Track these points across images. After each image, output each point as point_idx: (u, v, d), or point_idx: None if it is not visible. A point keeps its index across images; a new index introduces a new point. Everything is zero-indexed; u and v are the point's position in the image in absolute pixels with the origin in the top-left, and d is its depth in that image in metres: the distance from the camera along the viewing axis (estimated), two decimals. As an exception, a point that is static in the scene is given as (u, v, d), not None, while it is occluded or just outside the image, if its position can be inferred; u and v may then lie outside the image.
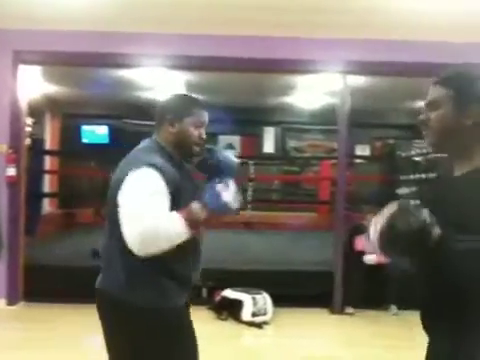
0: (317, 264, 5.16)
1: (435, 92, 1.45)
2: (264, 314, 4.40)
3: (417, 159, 6.43)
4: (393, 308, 4.87)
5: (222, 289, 4.64)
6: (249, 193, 7.10)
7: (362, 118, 8.97)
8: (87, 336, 3.97)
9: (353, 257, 4.98)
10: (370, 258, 4.96)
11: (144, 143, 1.84)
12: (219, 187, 1.72)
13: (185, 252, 1.72)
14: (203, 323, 4.42)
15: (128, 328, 1.73)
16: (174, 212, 1.65)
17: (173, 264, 1.73)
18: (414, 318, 4.72)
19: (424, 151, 6.18)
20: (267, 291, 4.58)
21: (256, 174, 7.77)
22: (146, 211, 1.60)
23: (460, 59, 4.75)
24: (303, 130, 10.15)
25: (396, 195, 6.52)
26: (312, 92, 7.49)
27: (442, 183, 1.49)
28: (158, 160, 1.70)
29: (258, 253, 5.20)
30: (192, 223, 1.64)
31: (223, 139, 10.07)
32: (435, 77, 1.47)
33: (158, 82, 6.88)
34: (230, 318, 4.47)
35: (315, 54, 4.73)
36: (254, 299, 4.39)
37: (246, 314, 4.34)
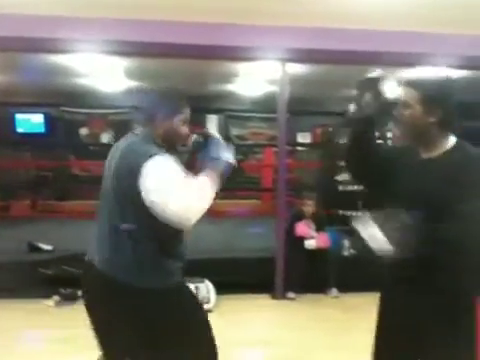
0: (260, 251, 5.21)
1: (407, 94, 1.82)
2: (207, 302, 4.39)
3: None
4: (333, 291, 5.00)
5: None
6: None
7: (303, 106, 9.10)
8: (18, 331, 3.84)
9: (294, 242, 5.07)
10: (310, 243, 5.07)
11: (137, 136, 1.96)
12: (216, 148, 1.95)
13: (180, 231, 1.89)
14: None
15: (142, 311, 1.82)
16: (199, 177, 1.84)
17: (172, 244, 1.90)
18: (353, 300, 4.92)
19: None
20: (210, 279, 4.58)
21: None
22: (182, 186, 1.76)
23: (396, 47, 4.93)
24: (245, 118, 10.18)
25: (335, 181, 6.67)
26: (254, 80, 7.51)
27: (416, 163, 1.86)
28: (161, 149, 1.87)
29: (200, 242, 5.17)
30: (216, 179, 1.86)
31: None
32: (407, 80, 1.87)
33: (95, 68, 6.68)
34: (173, 308, 4.43)
35: (254, 41, 4.71)
36: (197, 288, 4.38)
37: (189, 303, 4.32)
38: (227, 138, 10.14)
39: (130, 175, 1.79)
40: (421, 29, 4.82)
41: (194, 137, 2.06)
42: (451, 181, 1.71)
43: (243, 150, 10.52)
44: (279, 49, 4.82)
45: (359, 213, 6.09)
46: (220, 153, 1.94)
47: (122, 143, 1.96)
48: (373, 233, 1.74)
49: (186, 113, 2.02)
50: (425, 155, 1.84)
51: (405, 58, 5.01)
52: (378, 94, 1.92)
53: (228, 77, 7.45)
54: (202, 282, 4.49)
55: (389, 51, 4.89)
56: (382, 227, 1.72)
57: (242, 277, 4.86)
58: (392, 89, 1.90)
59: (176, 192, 1.73)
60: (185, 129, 2.01)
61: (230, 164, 1.95)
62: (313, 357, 3.47)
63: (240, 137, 10.24)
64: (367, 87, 1.96)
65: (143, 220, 1.80)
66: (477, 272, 1.75)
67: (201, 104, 9.57)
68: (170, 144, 1.97)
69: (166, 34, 4.62)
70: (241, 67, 6.64)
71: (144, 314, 1.83)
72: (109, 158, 1.98)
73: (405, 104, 1.83)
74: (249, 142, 10.29)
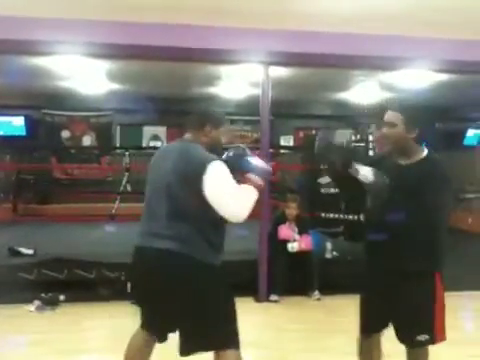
0: (243, 253, 5.20)
1: (392, 116, 2.40)
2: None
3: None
4: (316, 294, 5.02)
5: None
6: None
7: (286, 108, 9.15)
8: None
9: (277, 245, 5.08)
10: (293, 246, 5.09)
11: (187, 143, 2.38)
12: (255, 161, 2.42)
13: (224, 227, 2.35)
14: (127, 318, 4.33)
15: (198, 279, 2.23)
16: (245, 185, 2.32)
17: (219, 234, 2.34)
18: (336, 302, 4.94)
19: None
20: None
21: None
22: (239, 191, 2.26)
23: (377, 51, 4.97)
24: (229, 121, 10.18)
25: (318, 184, 6.70)
26: (237, 83, 7.52)
27: (395, 166, 2.43)
28: (215, 156, 2.30)
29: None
30: (257, 188, 2.34)
31: (148, 130, 9.90)
32: (393, 105, 2.45)
33: (77, 70, 6.63)
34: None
35: (237, 44, 4.72)
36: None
37: (171, 307, 4.30)
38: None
39: (194, 174, 2.20)
40: (402, 33, 4.87)
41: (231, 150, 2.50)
42: (422, 182, 2.30)
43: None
44: (262, 52, 4.83)
45: (342, 215, 6.13)
46: (258, 163, 2.42)
47: (174, 146, 2.41)
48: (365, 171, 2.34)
49: (227, 127, 2.51)
50: (403, 162, 2.44)
51: (386, 61, 5.06)
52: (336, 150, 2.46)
53: (211, 80, 7.44)
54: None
55: (371, 54, 4.93)
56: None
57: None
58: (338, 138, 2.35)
59: (232, 196, 2.22)
60: (224, 139, 2.48)
61: (269, 171, 2.45)
62: (295, 359, 3.48)
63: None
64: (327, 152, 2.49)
65: (202, 211, 2.21)
66: (437, 254, 2.41)
67: (184, 107, 9.54)
68: (212, 151, 2.36)
69: (148, 36, 4.60)
70: (224, 70, 6.64)
71: (199, 282, 2.24)
72: (159, 159, 2.41)
73: (391, 124, 2.40)
74: (233, 145, 10.28)
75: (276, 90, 5.39)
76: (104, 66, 6.48)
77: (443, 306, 2.45)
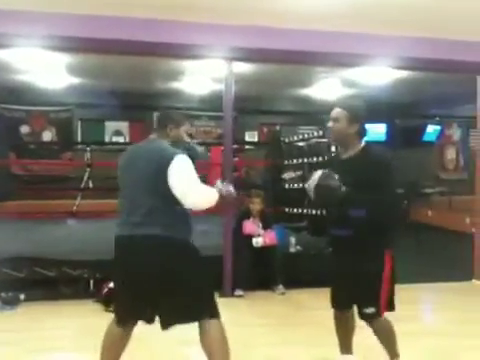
0: (207, 249, 5.16)
1: (337, 112, 2.73)
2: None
3: (300, 144, 6.69)
4: (280, 288, 5.06)
5: (110, 280, 4.50)
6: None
7: (251, 104, 9.18)
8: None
9: (242, 240, 5.09)
10: (258, 241, 5.11)
11: (154, 141, 2.68)
12: (225, 184, 2.75)
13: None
14: (91, 316, 4.31)
15: (177, 254, 2.51)
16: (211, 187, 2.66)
17: (186, 215, 2.60)
18: (300, 296, 4.97)
19: (306, 136, 6.45)
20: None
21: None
22: (199, 184, 2.56)
23: (339, 48, 5.02)
24: (193, 116, 10.13)
25: (282, 179, 6.76)
26: (200, 78, 7.49)
27: (337, 162, 2.82)
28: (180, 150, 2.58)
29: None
30: (220, 196, 2.66)
31: (110, 125, 9.74)
32: (339, 102, 2.82)
33: (36, 64, 6.47)
34: (119, 309, 4.36)
35: (199, 39, 4.69)
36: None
37: (135, 304, 4.26)
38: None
39: (162, 166, 2.46)
40: (363, 30, 4.95)
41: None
42: (360, 171, 2.62)
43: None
44: (225, 47, 4.82)
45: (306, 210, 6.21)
46: (227, 187, 2.73)
47: (143, 145, 2.70)
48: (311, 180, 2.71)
49: (188, 126, 2.82)
50: (344, 156, 2.77)
51: (348, 58, 5.14)
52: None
53: (174, 75, 7.40)
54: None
55: (333, 51, 4.99)
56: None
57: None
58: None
59: (193, 185, 2.52)
60: (187, 137, 2.80)
61: (232, 194, 2.74)
62: (259, 353, 3.50)
63: (188, 135, 10.18)
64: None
65: (173, 198, 2.48)
66: (385, 235, 2.69)
67: (147, 102, 9.46)
68: (176, 145, 2.65)
69: (109, 30, 4.52)
70: (187, 65, 6.61)
71: (181, 256, 2.52)
72: (131, 158, 2.65)
73: (336, 119, 2.72)
74: (196, 140, 10.24)
75: (241, 86, 5.41)
76: (64, 59, 6.34)
77: (390, 281, 2.69)
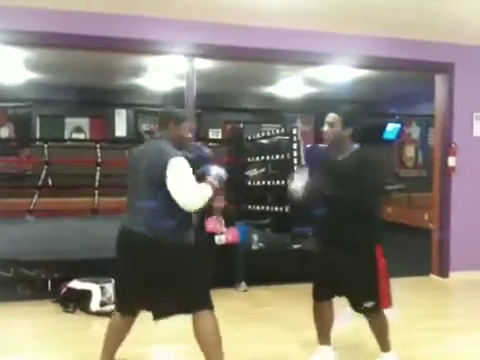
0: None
1: (332, 117, 2.88)
2: (114, 303, 4.27)
3: (263, 142, 6.71)
4: (243, 285, 5.06)
5: (69, 280, 4.42)
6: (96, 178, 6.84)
7: (215, 102, 9.14)
8: None
9: (204, 238, 5.07)
10: (220, 238, 5.10)
11: (157, 140, 2.75)
12: (216, 169, 2.80)
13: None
14: (49, 317, 4.21)
15: (175, 256, 2.59)
16: (203, 184, 2.68)
17: (186, 216, 2.66)
18: (262, 293, 4.97)
19: (269, 134, 6.47)
20: (118, 278, 4.45)
21: (106, 158, 7.46)
22: (194, 184, 2.60)
23: (302, 46, 5.06)
24: (156, 113, 9.99)
25: (245, 177, 6.76)
26: (163, 74, 7.41)
27: (333, 162, 2.94)
28: (179, 152, 2.64)
29: (108, 240, 5.02)
30: (213, 189, 2.70)
31: (70, 122, 9.54)
32: (335, 109, 2.91)
33: (-8, 59, 6.26)
34: (78, 310, 4.27)
35: (160, 35, 4.65)
36: (103, 288, 4.24)
37: (94, 304, 4.18)
38: (137, 133, 9.88)
39: (159, 167, 2.54)
40: (325, 29, 5.00)
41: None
42: (353, 172, 2.78)
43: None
44: (186, 44, 4.78)
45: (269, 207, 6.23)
46: (218, 172, 2.78)
47: (148, 144, 2.81)
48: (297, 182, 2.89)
49: (190, 123, 2.87)
50: (339, 157, 2.92)
51: (310, 57, 5.18)
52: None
53: (137, 71, 7.29)
54: (109, 282, 4.35)
55: (295, 50, 5.03)
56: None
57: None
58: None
59: (188, 187, 2.56)
60: (188, 134, 2.82)
61: (224, 178, 2.80)
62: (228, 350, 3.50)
63: (150, 132, 10.07)
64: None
65: (172, 198, 2.55)
66: (374, 229, 2.86)
67: (109, 98, 9.30)
68: (179, 145, 2.71)
69: (68, 24, 4.43)
70: (149, 61, 6.53)
71: (175, 258, 2.60)
72: (137, 155, 2.75)
73: (331, 124, 2.89)
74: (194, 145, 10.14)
75: (205, 83, 5.37)
76: (22, 55, 6.17)
77: (386, 274, 2.84)
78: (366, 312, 2.88)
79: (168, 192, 2.55)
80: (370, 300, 2.83)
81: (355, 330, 3.54)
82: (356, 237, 2.79)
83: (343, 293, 2.93)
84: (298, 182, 2.90)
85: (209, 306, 2.67)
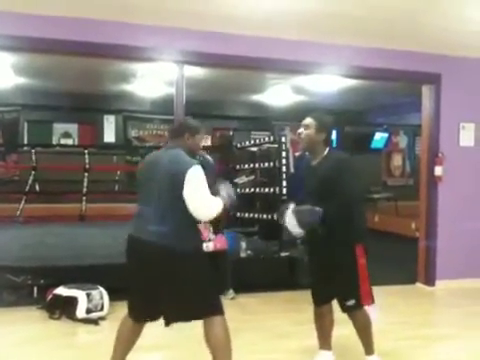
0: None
1: (308, 120, 3.04)
2: (101, 310, 4.25)
3: (252, 149, 6.72)
4: (230, 292, 5.06)
5: (55, 287, 4.38)
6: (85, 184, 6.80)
7: (204, 109, 9.15)
8: None
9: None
10: (208, 245, 5.08)
11: (173, 149, 2.78)
12: (228, 188, 2.89)
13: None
14: (35, 323, 4.18)
15: (186, 263, 2.63)
16: (218, 198, 2.76)
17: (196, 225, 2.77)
18: (250, 301, 4.97)
19: (258, 142, 6.48)
20: (104, 285, 4.42)
21: (94, 164, 7.42)
22: (209, 198, 2.68)
23: (289, 55, 5.10)
24: (145, 119, 10.01)
25: (234, 184, 6.75)
26: (152, 81, 7.41)
27: (311, 168, 3.07)
28: (194, 160, 2.73)
29: (95, 247, 5.01)
30: (224, 206, 2.78)
31: (58, 127, 9.49)
32: (311, 114, 3.07)
33: (-20, 63, 6.22)
34: (64, 317, 4.24)
35: (150, 41, 4.65)
36: (89, 295, 4.21)
37: (80, 311, 4.15)
38: (126, 139, 9.81)
39: (178, 176, 2.60)
40: (314, 39, 5.04)
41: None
42: (326, 175, 2.92)
43: (142, 152, 10.33)
44: (176, 51, 4.80)
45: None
46: (230, 192, 2.86)
47: (162, 153, 2.82)
48: (290, 220, 2.89)
49: (203, 134, 2.94)
50: (313, 162, 3.07)
51: (298, 66, 5.21)
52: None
53: (126, 77, 7.28)
54: (96, 289, 4.33)
55: (284, 58, 5.06)
56: (295, 215, 2.87)
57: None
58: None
59: (204, 198, 2.64)
60: (201, 145, 2.94)
61: (234, 200, 2.88)
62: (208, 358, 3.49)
63: (139, 139, 10.05)
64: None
65: (186, 207, 2.61)
66: (353, 229, 2.93)
67: (98, 104, 9.28)
68: (192, 155, 2.79)
69: (57, 30, 4.42)
70: (139, 67, 6.53)
71: (186, 264, 2.63)
72: (150, 163, 2.82)
73: (306, 126, 3.02)
74: (149, 144, 10.12)
75: (195, 90, 5.37)
76: (10, 59, 6.13)
77: (366, 273, 2.95)
78: (349, 310, 2.99)
79: (182, 200, 2.59)
80: (351, 298, 2.94)
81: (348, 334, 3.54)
82: (335, 238, 2.89)
83: (331, 294, 3.04)
84: (291, 221, 2.90)
85: (221, 312, 2.72)
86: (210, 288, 2.75)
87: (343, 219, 2.88)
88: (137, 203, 2.83)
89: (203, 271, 2.75)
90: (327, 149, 3.06)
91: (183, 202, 2.60)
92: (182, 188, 2.59)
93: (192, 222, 2.70)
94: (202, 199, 2.64)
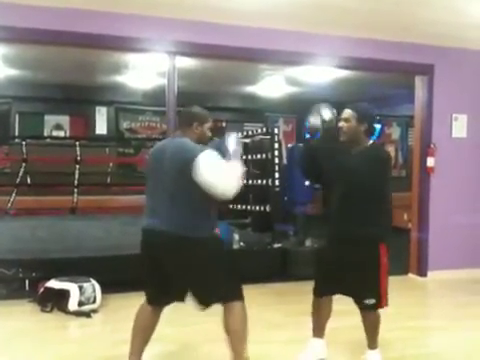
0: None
1: (347, 113, 2.97)
2: (93, 302, 4.24)
3: (245, 141, 6.71)
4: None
5: (47, 280, 4.36)
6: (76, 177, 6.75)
7: (197, 100, 9.09)
8: None
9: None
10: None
11: (179, 139, 2.78)
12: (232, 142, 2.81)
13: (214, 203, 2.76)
14: (26, 316, 4.16)
15: (203, 249, 2.66)
16: (232, 162, 2.71)
17: (213, 211, 2.78)
18: (244, 292, 4.81)
19: (250, 133, 6.47)
20: (96, 278, 4.41)
21: (85, 156, 7.37)
22: (229, 167, 2.65)
23: (284, 46, 5.07)
24: (137, 111, 9.95)
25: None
26: (144, 72, 7.36)
27: (346, 155, 2.93)
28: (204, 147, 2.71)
29: (87, 239, 4.98)
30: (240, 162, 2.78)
31: (49, 119, 9.42)
32: (349, 105, 3.01)
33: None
34: (56, 310, 4.22)
35: (141, 32, 4.61)
36: (81, 288, 4.19)
37: (72, 304, 4.13)
38: (117, 131, 9.75)
39: (188, 163, 2.57)
40: (306, 29, 5.02)
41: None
42: (365, 164, 2.82)
43: (135, 144, 10.28)
44: (168, 41, 4.76)
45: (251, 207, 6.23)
46: (235, 148, 2.79)
47: (169, 142, 2.82)
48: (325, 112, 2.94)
49: (211, 123, 2.88)
50: (354, 151, 2.96)
51: (291, 56, 5.19)
52: (322, 119, 2.92)
53: (117, 68, 7.22)
54: (88, 281, 4.32)
55: (276, 49, 5.03)
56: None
57: (129, 275, 4.74)
58: (327, 114, 2.93)
59: (226, 175, 2.61)
60: (209, 133, 2.87)
61: (241, 152, 2.87)
62: (202, 350, 3.49)
63: (131, 130, 10.00)
64: (314, 114, 2.96)
65: (197, 194, 2.60)
66: (380, 227, 2.91)
67: (90, 95, 9.20)
68: (200, 143, 2.76)
69: (49, 20, 4.38)
70: (130, 58, 6.47)
71: (202, 253, 2.65)
72: (157, 153, 2.81)
73: (347, 119, 2.96)
74: (141, 135, 10.07)
75: (187, 82, 5.33)
76: (0, 50, 6.06)
77: (386, 274, 2.95)
78: (366, 309, 2.97)
79: (192, 188, 2.59)
80: (372, 297, 2.92)
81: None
82: (363, 234, 2.86)
83: (345, 290, 2.99)
84: (327, 113, 2.92)
85: (240, 297, 2.76)
86: (229, 274, 2.77)
87: (372, 216, 2.87)
88: (146, 195, 2.83)
89: (220, 256, 2.78)
90: (370, 141, 3.01)
91: (194, 189, 2.59)
92: (193, 175, 2.57)
93: (205, 209, 2.69)
94: (223, 172, 2.62)
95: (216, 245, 2.81)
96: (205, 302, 2.75)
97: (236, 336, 2.74)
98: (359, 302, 2.97)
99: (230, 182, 2.64)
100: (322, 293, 3.09)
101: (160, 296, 2.85)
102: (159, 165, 2.73)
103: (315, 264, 3.17)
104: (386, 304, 2.97)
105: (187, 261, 2.66)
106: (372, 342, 3.09)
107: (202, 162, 2.59)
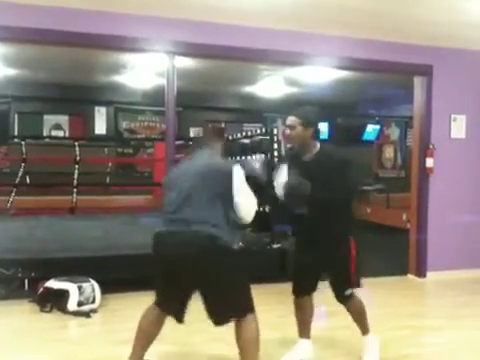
0: (147, 247, 5.09)
1: (292, 120, 2.99)
2: (92, 302, 4.24)
3: (244, 141, 6.70)
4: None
5: (46, 280, 4.36)
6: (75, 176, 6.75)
7: (196, 100, 9.11)
8: None
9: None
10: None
11: (208, 152, 2.85)
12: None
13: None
14: (25, 316, 4.16)
15: (224, 261, 2.62)
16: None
17: (236, 225, 2.80)
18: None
19: (250, 133, 6.46)
20: (95, 278, 4.41)
21: (85, 156, 7.36)
22: (251, 198, 2.78)
23: (282, 46, 5.08)
24: (136, 111, 9.95)
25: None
26: (143, 72, 7.36)
27: (300, 163, 3.00)
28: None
29: (86, 239, 4.97)
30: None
31: (48, 119, 9.42)
32: (292, 110, 3.02)
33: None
34: (55, 310, 4.22)
35: (140, 32, 4.61)
36: (80, 288, 4.19)
37: (72, 304, 4.14)
38: (117, 131, 9.76)
39: (221, 175, 2.68)
40: (306, 30, 5.02)
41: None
42: (320, 172, 2.87)
43: (134, 144, 10.28)
44: (167, 41, 4.76)
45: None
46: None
47: (200, 156, 2.85)
48: (280, 178, 2.99)
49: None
50: (305, 158, 3.01)
51: (290, 57, 5.19)
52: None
53: (117, 68, 7.23)
54: (87, 281, 4.32)
55: (275, 49, 5.04)
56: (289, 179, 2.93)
57: (128, 274, 4.76)
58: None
59: (252, 203, 2.76)
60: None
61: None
62: (202, 350, 3.49)
63: (131, 130, 10.00)
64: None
65: (224, 204, 2.66)
66: (349, 225, 3.06)
67: (89, 95, 9.20)
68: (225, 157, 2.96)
69: (47, 20, 4.37)
70: (130, 58, 6.47)
71: (225, 261, 2.63)
72: (185, 166, 2.87)
73: (292, 127, 2.98)
74: (140, 136, 10.07)
75: (187, 82, 5.33)
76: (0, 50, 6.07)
77: (355, 262, 3.05)
78: (346, 300, 3.07)
79: (222, 201, 2.64)
80: (348, 288, 3.04)
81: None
82: (335, 235, 2.97)
83: (330, 285, 3.09)
84: (279, 179, 3.00)
85: (253, 309, 2.74)
86: (246, 286, 2.77)
87: (344, 215, 2.99)
88: (166, 207, 2.78)
89: (242, 268, 2.78)
90: (318, 144, 3.03)
91: (224, 200, 2.65)
92: (224, 189, 2.64)
93: (233, 219, 2.72)
94: (246, 199, 2.71)
95: (236, 256, 2.82)
96: (222, 317, 2.71)
97: (251, 346, 2.73)
98: (339, 295, 3.08)
99: (252, 211, 2.75)
100: (300, 293, 3.16)
101: (172, 302, 2.82)
102: (188, 176, 2.74)
103: (291, 264, 3.24)
104: (357, 285, 3.08)
105: (209, 270, 2.62)
106: (364, 327, 3.17)
107: (235, 180, 2.67)
